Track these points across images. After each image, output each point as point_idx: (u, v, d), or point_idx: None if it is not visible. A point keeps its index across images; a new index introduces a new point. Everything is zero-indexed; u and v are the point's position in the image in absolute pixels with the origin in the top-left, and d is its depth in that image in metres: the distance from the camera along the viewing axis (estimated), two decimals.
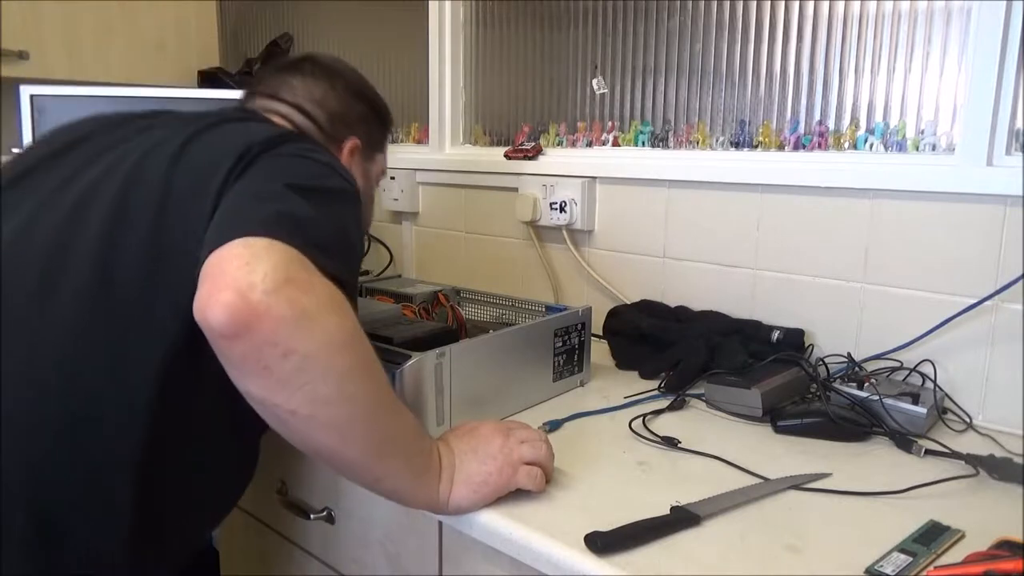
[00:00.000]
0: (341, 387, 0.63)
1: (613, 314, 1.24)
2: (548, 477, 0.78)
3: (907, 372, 1.04)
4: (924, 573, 0.64)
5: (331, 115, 0.98)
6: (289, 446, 0.98)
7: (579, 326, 1.09)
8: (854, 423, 0.92)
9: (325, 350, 0.62)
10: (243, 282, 0.59)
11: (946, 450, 0.87)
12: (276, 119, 0.94)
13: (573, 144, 1.47)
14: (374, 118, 1.05)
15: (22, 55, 1.81)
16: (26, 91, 1.48)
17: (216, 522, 0.87)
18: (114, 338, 0.69)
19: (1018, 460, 0.83)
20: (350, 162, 1.00)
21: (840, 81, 1.13)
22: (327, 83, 0.99)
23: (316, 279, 0.63)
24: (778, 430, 0.95)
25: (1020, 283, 0.95)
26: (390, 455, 0.70)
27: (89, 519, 0.68)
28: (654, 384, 1.12)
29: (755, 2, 1.20)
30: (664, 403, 1.03)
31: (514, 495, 0.76)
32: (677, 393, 1.06)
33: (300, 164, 0.76)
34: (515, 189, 1.46)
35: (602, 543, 0.67)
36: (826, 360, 1.09)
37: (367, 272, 1.79)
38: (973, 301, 0.98)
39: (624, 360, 1.20)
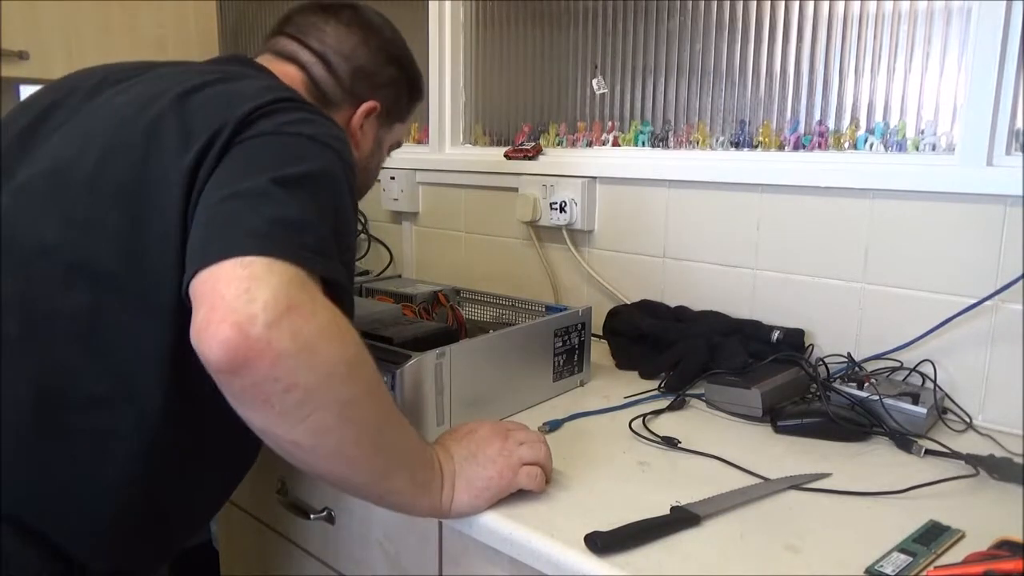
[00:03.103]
0: (344, 417, 0.62)
1: (613, 314, 1.24)
2: (548, 477, 0.78)
3: (907, 372, 1.04)
4: (924, 573, 0.64)
5: (356, 72, 0.91)
6: None
7: (579, 326, 1.09)
8: (854, 423, 0.92)
9: (328, 382, 0.60)
10: (243, 314, 0.56)
11: (946, 450, 0.87)
12: (290, 69, 0.89)
13: (573, 144, 1.47)
14: (404, 86, 0.98)
15: (22, 55, 1.81)
16: (26, 91, 1.48)
17: (215, 509, 0.86)
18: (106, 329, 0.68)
19: (1018, 460, 0.83)
20: (361, 123, 0.94)
21: (840, 81, 1.13)
22: (361, 36, 0.92)
23: (318, 302, 0.61)
24: (778, 430, 0.95)
25: (1020, 283, 0.95)
26: (395, 474, 0.69)
27: (86, 507, 0.68)
28: (654, 384, 1.11)
29: (755, 2, 1.20)
30: (664, 403, 1.03)
31: (514, 495, 0.76)
32: (677, 393, 1.06)
33: (282, 145, 0.71)
34: (515, 189, 1.46)
35: (602, 543, 0.67)
36: (826, 360, 1.09)
37: (367, 272, 1.79)
38: (973, 301, 0.98)
39: (624, 360, 1.20)
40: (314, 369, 0.59)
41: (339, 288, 0.66)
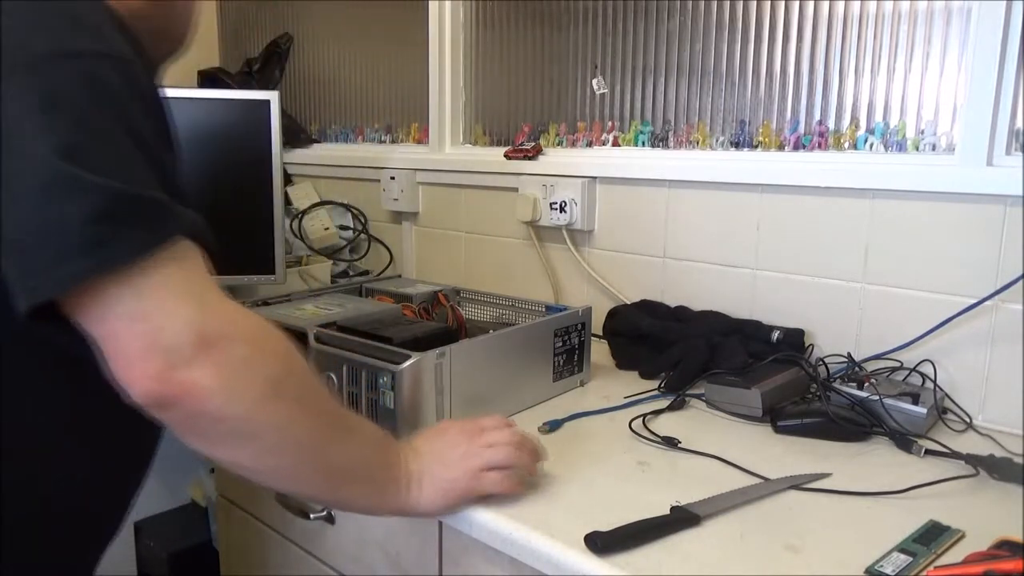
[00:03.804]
0: (282, 436, 0.60)
1: (613, 314, 1.24)
2: (530, 472, 0.77)
3: (907, 372, 1.04)
4: (924, 573, 0.64)
5: None
6: None
7: (579, 326, 1.09)
8: (854, 423, 0.92)
9: (257, 407, 0.58)
10: (158, 358, 0.53)
11: (946, 450, 0.87)
12: None
13: (573, 144, 1.47)
14: None
15: None
16: None
17: (93, 544, 0.76)
18: None
19: (1018, 460, 0.83)
20: None
21: (840, 81, 1.13)
22: None
23: (228, 317, 0.57)
24: (778, 430, 0.95)
25: (1020, 283, 0.95)
26: (348, 482, 0.67)
27: None
28: (654, 384, 1.12)
29: (755, 2, 1.20)
30: (664, 403, 1.03)
31: (513, 496, 0.76)
32: (677, 393, 1.06)
33: (36, 80, 0.55)
34: (515, 189, 1.46)
35: (602, 543, 0.67)
36: (826, 360, 1.09)
37: (367, 272, 1.79)
38: (973, 301, 0.98)
39: (624, 360, 1.20)
40: (242, 399, 0.57)
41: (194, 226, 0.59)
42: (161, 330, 0.54)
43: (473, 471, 0.74)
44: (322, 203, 1.84)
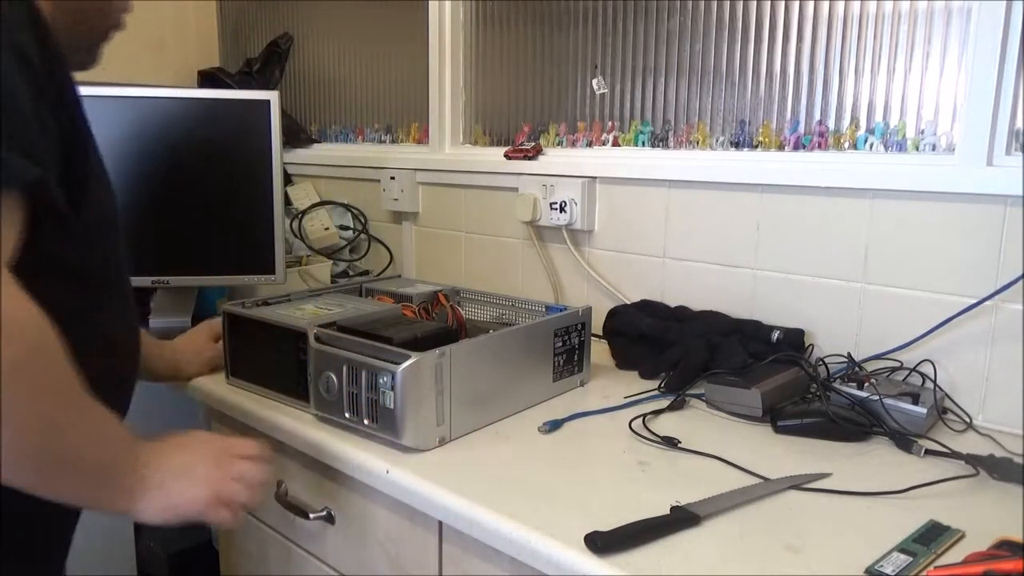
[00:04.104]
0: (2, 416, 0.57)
1: (613, 314, 1.24)
2: (250, 506, 0.78)
3: (907, 372, 1.04)
4: (924, 573, 0.64)
5: None
6: (287, 446, 0.98)
7: (579, 326, 1.09)
8: (854, 423, 0.92)
9: None
10: None
11: (946, 450, 0.87)
12: None
13: (573, 144, 1.47)
14: None
15: None
16: None
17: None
18: None
19: (1018, 460, 0.83)
20: None
21: (840, 81, 1.13)
22: None
23: None
24: (778, 430, 0.95)
25: (1020, 283, 0.95)
26: (66, 475, 0.64)
27: None
28: (654, 384, 1.12)
29: (755, 2, 1.20)
30: (664, 403, 1.03)
31: (514, 494, 0.76)
32: (677, 393, 1.06)
33: None
34: (515, 189, 1.46)
35: (602, 543, 0.67)
36: (826, 360, 1.09)
37: (367, 272, 1.79)
38: (973, 301, 0.98)
39: (624, 360, 1.20)
40: None
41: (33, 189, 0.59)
42: None
43: (212, 499, 0.73)
44: (322, 203, 1.84)
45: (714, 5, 1.24)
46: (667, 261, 1.30)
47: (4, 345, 0.56)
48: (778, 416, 0.96)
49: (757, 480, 0.81)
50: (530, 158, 1.46)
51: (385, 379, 0.86)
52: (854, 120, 1.12)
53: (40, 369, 0.60)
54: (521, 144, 1.52)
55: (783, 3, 1.17)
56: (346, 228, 1.81)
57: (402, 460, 0.85)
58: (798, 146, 1.18)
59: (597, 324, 1.20)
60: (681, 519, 0.71)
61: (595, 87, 1.43)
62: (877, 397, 0.94)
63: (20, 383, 0.58)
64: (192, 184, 1.41)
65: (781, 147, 1.20)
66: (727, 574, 0.64)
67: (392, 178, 1.69)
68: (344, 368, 0.90)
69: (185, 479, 0.73)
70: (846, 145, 1.13)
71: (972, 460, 0.84)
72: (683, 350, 1.11)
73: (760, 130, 1.22)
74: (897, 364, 1.05)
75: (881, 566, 0.65)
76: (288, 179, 1.96)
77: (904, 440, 0.89)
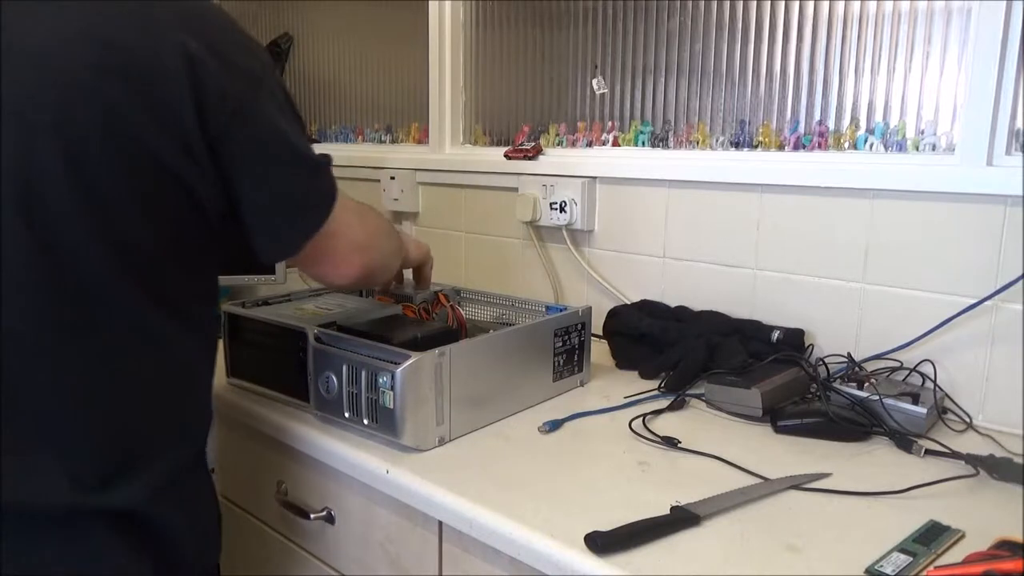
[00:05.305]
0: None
1: (613, 314, 1.24)
2: None
3: (907, 372, 1.04)
4: (924, 573, 0.64)
5: None
6: (287, 446, 0.98)
7: (579, 326, 1.09)
8: (854, 423, 0.92)
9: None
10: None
11: (946, 450, 0.87)
12: None
13: (573, 144, 1.47)
14: None
15: None
16: None
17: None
18: None
19: (1018, 460, 0.83)
20: None
21: (840, 81, 1.13)
22: None
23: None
24: (778, 430, 0.95)
25: (1020, 283, 0.95)
26: (395, 263, 1.01)
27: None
28: (654, 384, 1.11)
29: (755, 2, 1.20)
30: (664, 403, 1.03)
31: (514, 495, 0.76)
32: (677, 393, 1.06)
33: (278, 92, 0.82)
34: (515, 189, 1.46)
35: (602, 543, 0.67)
36: (826, 360, 1.09)
37: None
38: (973, 301, 0.98)
39: (624, 360, 1.20)
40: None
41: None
42: (356, 227, 0.90)
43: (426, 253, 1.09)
44: None
45: (714, 5, 1.25)
46: (667, 261, 1.30)
47: (376, 215, 0.95)
48: (778, 416, 0.96)
49: (757, 480, 0.81)
50: (530, 158, 1.46)
51: (385, 379, 0.86)
52: (854, 120, 1.12)
53: (389, 224, 0.98)
54: (521, 144, 1.52)
55: (783, 3, 1.17)
56: None
57: (402, 460, 0.85)
58: (798, 146, 1.18)
59: (597, 324, 1.20)
60: (681, 519, 0.71)
61: (595, 87, 1.43)
62: (877, 397, 0.94)
63: (390, 234, 0.96)
64: None
65: (781, 147, 1.20)
66: (727, 574, 0.64)
67: (392, 178, 1.69)
68: (344, 368, 0.90)
69: (411, 244, 1.07)
70: (846, 145, 1.13)
71: (972, 460, 0.84)
72: (683, 350, 1.11)
73: (760, 130, 1.22)
74: (897, 364, 1.05)
75: (881, 566, 0.65)
76: None
77: (904, 440, 0.89)
